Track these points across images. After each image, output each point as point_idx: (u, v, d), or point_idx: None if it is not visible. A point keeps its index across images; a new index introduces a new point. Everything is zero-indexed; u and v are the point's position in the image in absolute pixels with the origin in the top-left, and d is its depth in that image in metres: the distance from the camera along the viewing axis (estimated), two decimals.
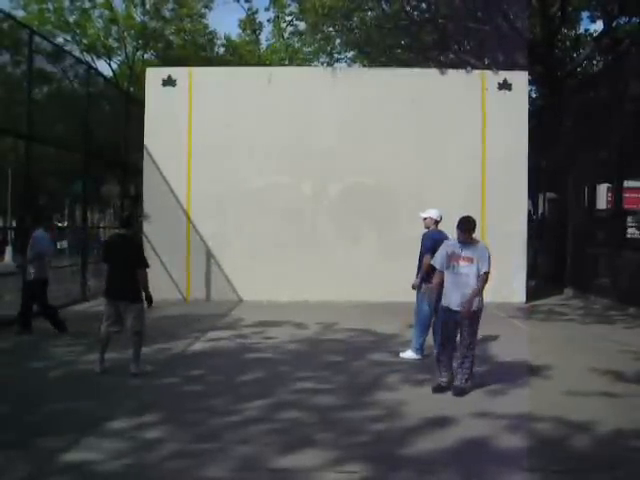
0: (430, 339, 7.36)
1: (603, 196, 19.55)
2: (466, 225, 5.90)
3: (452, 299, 5.85)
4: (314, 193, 13.05)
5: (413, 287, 7.55)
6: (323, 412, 5.33)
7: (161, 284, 12.55)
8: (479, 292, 5.78)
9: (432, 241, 7.36)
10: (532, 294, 13.01)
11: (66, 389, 6.01)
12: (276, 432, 4.80)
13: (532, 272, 14.16)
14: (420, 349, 7.43)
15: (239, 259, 12.57)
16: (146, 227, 12.99)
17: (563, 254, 14.73)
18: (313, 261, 12.48)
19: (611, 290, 12.55)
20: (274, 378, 6.48)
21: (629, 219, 17.48)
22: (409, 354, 7.45)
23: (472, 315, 5.81)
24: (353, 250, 12.63)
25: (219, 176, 12.60)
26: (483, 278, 5.79)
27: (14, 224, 24.07)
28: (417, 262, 7.63)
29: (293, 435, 4.75)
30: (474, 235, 6.04)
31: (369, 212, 12.82)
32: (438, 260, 6.03)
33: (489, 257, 5.79)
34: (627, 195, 16.74)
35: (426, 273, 7.24)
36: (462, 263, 5.80)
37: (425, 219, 7.62)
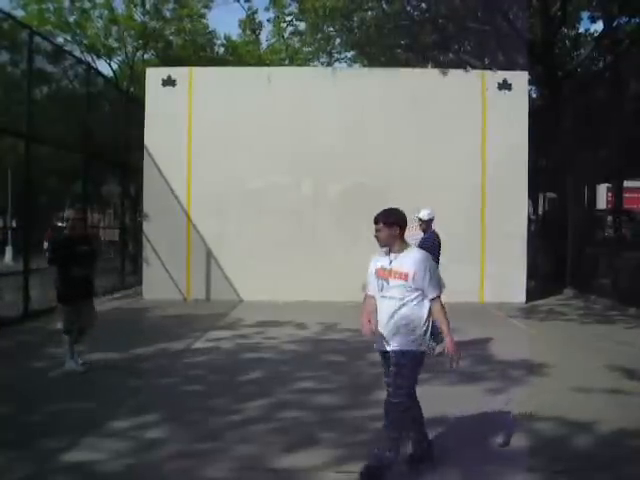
0: None
1: (603, 196, 19.58)
2: (386, 218, 4.08)
3: (383, 339, 4.01)
4: (314, 193, 13.05)
5: None
6: (323, 412, 5.33)
7: (161, 284, 12.60)
8: (447, 320, 3.97)
9: (436, 244, 7.31)
10: (532, 294, 13.01)
11: (66, 389, 6.01)
12: (276, 432, 4.79)
13: (532, 272, 14.15)
14: None
15: (239, 259, 12.56)
16: (146, 227, 13.01)
17: (563, 254, 14.73)
18: (313, 261, 12.47)
19: (611, 290, 12.55)
20: (274, 378, 6.47)
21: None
22: None
23: (400, 356, 3.92)
24: (353, 250, 12.59)
25: (219, 176, 12.60)
26: (439, 303, 3.94)
27: (14, 224, 24.04)
28: None
29: (293, 435, 4.74)
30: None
31: (369, 212, 12.65)
32: (369, 280, 4.16)
33: (433, 269, 3.95)
34: (627, 195, 16.76)
35: None
36: (392, 281, 3.95)
37: (426, 221, 7.45)
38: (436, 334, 7.35)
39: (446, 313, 3.97)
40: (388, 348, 3.96)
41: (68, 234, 6.85)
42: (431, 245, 7.27)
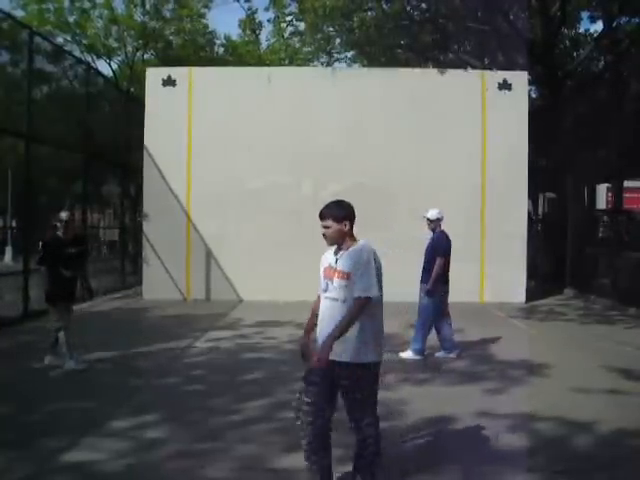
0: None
1: (603, 196, 19.58)
2: (336, 212, 3.63)
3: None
4: (314, 193, 13.03)
5: (428, 293, 7.40)
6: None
7: (161, 284, 12.59)
8: (345, 327, 3.43)
9: (447, 244, 7.33)
10: (532, 294, 13.01)
11: (66, 389, 6.01)
12: (276, 432, 4.79)
13: (532, 272, 14.16)
14: (421, 351, 7.41)
15: (239, 259, 12.56)
16: (146, 227, 13.01)
17: (563, 254, 14.74)
18: (313, 261, 12.37)
19: (611, 290, 12.55)
20: (274, 378, 6.47)
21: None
22: (409, 354, 7.42)
23: (349, 374, 3.50)
24: None
25: (219, 176, 12.59)
26: (356, 306, 3.44)
27: (14, 224, 24.04)
28: (423, 264, 7.51)
29: (293, 435, 4.73)
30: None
31: (369, 212, 12.69)
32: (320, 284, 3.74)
33: (367, 265, 3.47)
34: (627, 195, 16.76)
35: (438, 276, 7.22)
36: (336, 281, 3.55)
37: (432, 221, 7.48)
38: (447, 340, 7.38)
39: (352, 321, 3.42)
40: (330, 356, 3.48)
41: (59, 235, 6.86)
42: (443, 244, 7.32)
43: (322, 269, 3.71)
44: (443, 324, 7.51)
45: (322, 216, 3.64)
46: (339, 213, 3.61)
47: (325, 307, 3.60)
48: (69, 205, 18.77)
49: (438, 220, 7.47)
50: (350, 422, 3.65)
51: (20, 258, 11.10)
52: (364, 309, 3.44)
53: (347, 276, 3.49)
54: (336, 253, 3.63)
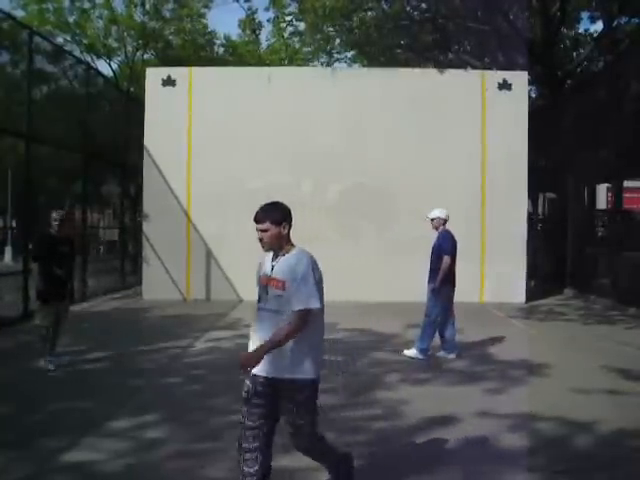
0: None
1: (603, 196, 19.57)
2: (274, 215, 3.34)
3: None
4: (314, 193, 13.05)
5: (434, 292, 7.38)
6: (323, 411, 5.31)
7: (161, 284, 12.59)
8: (282, 341, 3.17)
9: (452, 243, 7.32)
10: (532, 294, 13.01)
11: (66, 389, 6.01)
12: (276, 431, 4.78)
13: (532, 272, 14.16)
14: (426, 350, 7.36)
15: (239, 259, 12.50)
16: (146, 227, 13.01)
17: (563, 254, 14.74)
18: None
19: (611, 290, 12.55)
20: None
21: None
22: (413, 352, 7.36)
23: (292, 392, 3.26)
24: (353, 250, 12.62)
25: (219, 176, 12.59)
26: (296, 319, 3.17)
27: (14, 224, 24.05)
28: (429, 264, 7.48)
29: None
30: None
31: (369, 212, 12.82)
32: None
33: (306, 274, 3.21)
34: (627, 195, 16.75)
35: (445, 275, 7.20)
36: (272, 290, 3.28)
37: (433, 220, 7.48)
38: (449, 340, 7.36)
39: (290, 336, 3.16)
40: (266, 374, 3.25)
41: (52, 233, 6.87)
42: (448, 243, 7.29)
43: (257, 277, 3.42)
44: (447, 324, 7.50)
45: (258, 219, 3.32)
46: (278, 215, 3.33)
47: (261, 319, 3.31)
48: (69, 205, 18.79)
49: (440, 219, 7.45)
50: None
51: (20, 258, 11.10)
52: (305, 323, 3.17)
53: (283, 285, 3.22)
54: (273, 259, 3.35)
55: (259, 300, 3.34)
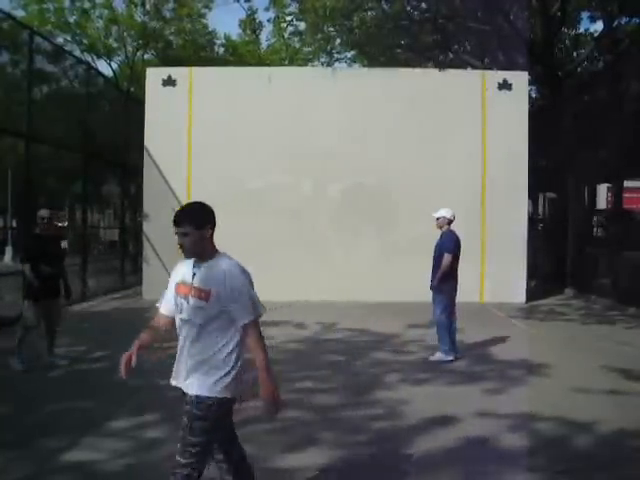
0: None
1: (603, 196, 19.58)
2: (196, 217, 3.03)
3: (180, 370, 3.07)
4: (314, 193, 13.04)
5: (431, 288, 7.37)
6: (323, 411, 5.33)
7: (161, 284, 12.57)
8: (266, 361, 3.00)
9: (455, 241, 7.31)
10: (532, 294, 13.01)
11: (66, 389, 6.01)
12: (276, 431, 4.79)
13: (532, 272, 14.15)
14: (449, 349, 7.25)
15: (239, 259, 12.49)
16: (146, 227, 13.01)
17: (563, 254, 14.74)
18: (313, 261, 12.47)
19: (611, 290, 12.55)
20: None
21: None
22: (439, 356, 7.24)
23: (193, 405, 2.94)
24: (353, 250, 12.63)
25: (219, 176, 12.59)
26: (254, 332, 3.03)
27: (14, 224, 24.06)
28: (433, 262, 7.43)
29: (293, 435, 4.74)
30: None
31: (369, 212, 12.82)
32: (165, 296, 3.25)
33: (243, 283, 2.99)
34: (627, 195, 16.76)
35: (443, 274, 7.19)
36: (192, 300, 2.98)
37: (438, 219, 7.46)
38: (442, 335, 7.30)
39: (265, 345, 3.02)
40: (185, 389, 3.00)
41: (39, 232, 6.86)
42: (450, 242, 7.26)
43: (173, 284, 3.11)
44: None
45: (178, 222, 2.97)
46: (200, 218, 3.00)
47: (183, 332, 3.02)
48: (70, 204, 18.80)
49: (445, 219, 7.43)
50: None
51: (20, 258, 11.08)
52: (259, 331, 3.00)
53: (207, 296, 2.90)
54: (194, 266, 3.01)
55: (180, 311, 3.01)
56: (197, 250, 2.99)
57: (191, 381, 2.95)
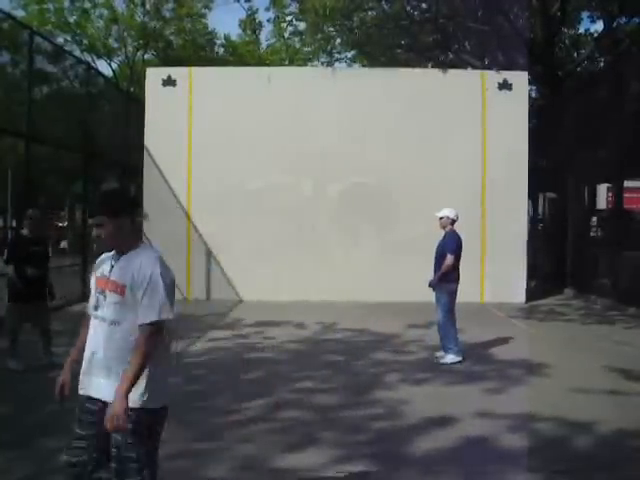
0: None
1: (603, 196, 19.59)
2: (111, 206, 2.74)
3: (91, 378, 2.76)
4: (314, 193, 13.05)
5: (430, 285, 7.32)
6: (323, 411, 5.33)
7: None
8: (140, 370, 2.58)
9: (457, 241, 7.29)
10: (532, 294, 13.01)
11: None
12: (277, 431, 4.79)
13: (532, 272, 14.16)
14: (459, 351, 7.18)
15: (239, 259, 12.56)
16: (146, 227, 13.00)
17: (563, 254, 14.74)
18: (313, 261, 12.47)
19: (611, 290, 12.55)
20: (274, 377, 6.47)
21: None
22: (450, 358, 7.14)
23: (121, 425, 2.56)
24: (353, 250, 12.63)
25: (219, 176, 12.60)
26: (147, 335, 2.59)
27: (14, 224, 24.04)
28: (434, 262, 7.38)
29: (294, 434, 4.74)
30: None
31: (369, 212, 12.82)
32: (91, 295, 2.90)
33: (154, 277, 2.63)
34: (627, 195, 16.76)
35: (444, 274, 7.16)
36: (109, 295, 2.72)
37: (441, 219, 7.41)
38: (449, 336, 7.26)
39: (146, 358, 2.56)
40: (96, 395, 2.70)
41: (23, 233, 6.82)
42: (452, 242, 7.23)
43: (94, 278, 2.85)
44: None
45: (92, 212, 2.79)
46: (115, 206, 2.71)
47: (97, 331, 2.71)
48: (70, 204, 18.81)
49: (448, 219, 7.40)
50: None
51: None
52: (158, 337, 2.60)
53: (122, 290, 2.64)
54: (114, 258, 2.76)
55: (96, 307, 2.76)
56: (115, 242, 2.73)
57: (106, 387, 2.63)
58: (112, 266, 2.73)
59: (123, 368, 2.58)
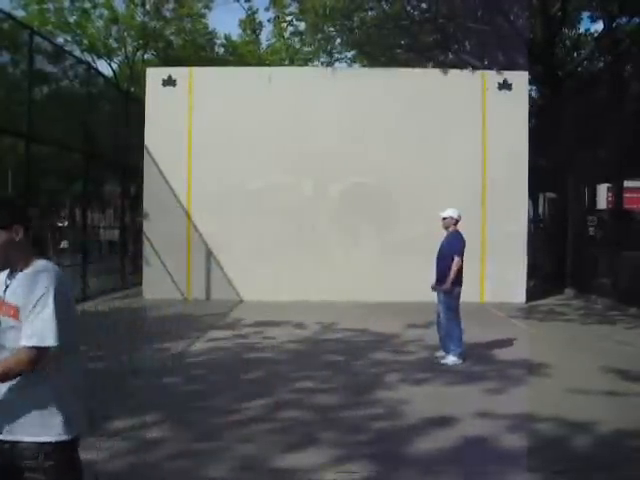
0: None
1: (603, 196, 19.60)
2: None
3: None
4: (314, 193, 13.05)
5: (445, 292, 7.21)
6: (323, 411, 5.33)
7: (161, 284, 12.60)
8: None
9: (463, 243, 7.25)
10: (532, 294, 13.01)
11: None
12: (276, 432, 4.79)
13: (532, 272, 14.16)
14: (462, 353, 7.15)
15: (239, 259, 12.57)
16: (146, 227, 13.02)
17: (563, 254, 14.74)
18: (313, 261, 12.47)
19: (611, 290, 12.55)
20: (274, 378, 6.47)
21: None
22: (452, 360, 7.10)
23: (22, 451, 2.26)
24: (353, 250, 12.64)
25: (219, 176, 12.60)
26: (23, 358, 2.20)
27: None
28: (436, 264, 7.35)
29: (294, 434, 4.75)
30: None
31: (369, 212, 12.83)
32: None
33: (43, 298, 2.22)
34: (627, 195, 16.77)
35: (456, 277, 7.10)
36: (4, 319, 2.29)
37: (445, 219, 7.37)
38: (454, 337, 7.21)
39: (10, 375, 2.19)
40: (7, 437, 2.27)
41: None
42: (457, 243, 7.19)
43: None
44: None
45: None
46: (3, 217, 2.30)
47: None
48: (70, 204, 18.80)
49: (452, 219, 7.37)
50: None
51: None
52: (34, 364, 2.20)
53: (16, 312, 2.25)
54: (8, 277, 2.36)
55: None
56: (6, 257, 2.31)
57: (15, 423, 2.27)
58: (7, 286, 2.32)
59: (29, 404, 2.27)
